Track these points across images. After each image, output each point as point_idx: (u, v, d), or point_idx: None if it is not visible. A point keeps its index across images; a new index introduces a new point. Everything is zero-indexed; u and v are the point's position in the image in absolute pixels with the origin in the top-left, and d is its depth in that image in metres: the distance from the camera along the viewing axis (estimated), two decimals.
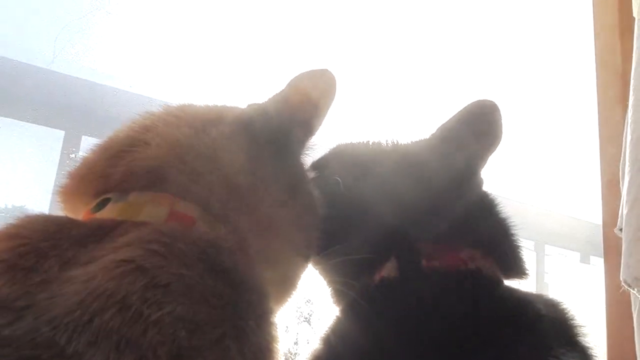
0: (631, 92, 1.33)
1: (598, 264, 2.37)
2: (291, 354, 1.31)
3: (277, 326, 0.59)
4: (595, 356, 0.72)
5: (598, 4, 1.66)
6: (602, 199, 1.53)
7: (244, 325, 0.51)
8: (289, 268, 0.69)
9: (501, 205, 0.85)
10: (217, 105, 0.70)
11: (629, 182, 1.26)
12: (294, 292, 0.72)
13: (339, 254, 0.77)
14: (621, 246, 1.39)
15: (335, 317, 0.78)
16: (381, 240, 0.77)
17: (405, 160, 0.84)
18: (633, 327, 1.34)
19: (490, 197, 0.86)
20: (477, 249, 0.75)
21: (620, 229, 1.32)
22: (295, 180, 0.69)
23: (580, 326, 0.73)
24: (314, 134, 0.74)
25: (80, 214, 0.61)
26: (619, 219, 1.34)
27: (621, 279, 1.24)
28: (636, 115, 1.28)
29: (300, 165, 0.72)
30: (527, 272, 0.81)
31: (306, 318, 1.31)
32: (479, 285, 0.72)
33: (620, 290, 1.26)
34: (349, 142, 0.92)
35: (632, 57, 1.41)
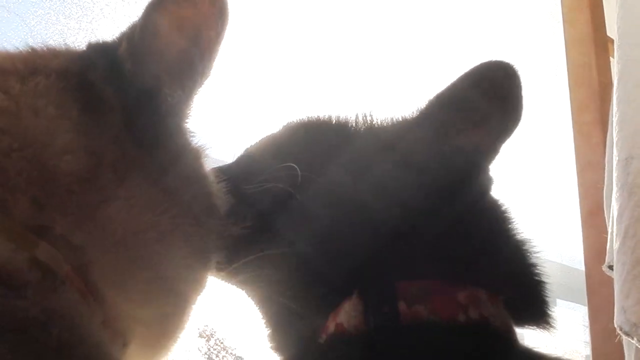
0: (614, 108, 1.16)
1: (564, 307, 2.21)
2: None
3: None
4: None
5: (568, 16, 1.51)
6: (583, 232, 1.35)
7: None
8: (169, 296, 0.47)
9: (516, 219, 0.61)
10: (37, 49, 0.46)
11: (619, 210, 1.08)
12: (182, 328, 0.50)
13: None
14: (607, 286, 1.21)
15: None
16: (339, 265, 0.52)
17: (381, 151, 0.59)
18: None
19: (502, 207, 0.62)
20: (481, 286, 0.52)
21: (610, 266, 1.13)
22: (170, 162, 0.46)
23: None
24: (199, 86, 0.49)
25: None
26: (607, 255, 1.16)
27: (616, 325, 1.05)
28: (623, 133, 1.11)
29: (180, 137, 0.48)
30: (550, 320, 0.59)
31: None
32: (486, 350, 0.49)
33: (616, 340, 1.06)
34: (303, 120, 0.65)
35: (609, 70, 1.25)
